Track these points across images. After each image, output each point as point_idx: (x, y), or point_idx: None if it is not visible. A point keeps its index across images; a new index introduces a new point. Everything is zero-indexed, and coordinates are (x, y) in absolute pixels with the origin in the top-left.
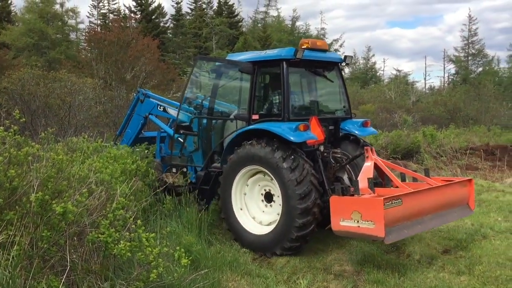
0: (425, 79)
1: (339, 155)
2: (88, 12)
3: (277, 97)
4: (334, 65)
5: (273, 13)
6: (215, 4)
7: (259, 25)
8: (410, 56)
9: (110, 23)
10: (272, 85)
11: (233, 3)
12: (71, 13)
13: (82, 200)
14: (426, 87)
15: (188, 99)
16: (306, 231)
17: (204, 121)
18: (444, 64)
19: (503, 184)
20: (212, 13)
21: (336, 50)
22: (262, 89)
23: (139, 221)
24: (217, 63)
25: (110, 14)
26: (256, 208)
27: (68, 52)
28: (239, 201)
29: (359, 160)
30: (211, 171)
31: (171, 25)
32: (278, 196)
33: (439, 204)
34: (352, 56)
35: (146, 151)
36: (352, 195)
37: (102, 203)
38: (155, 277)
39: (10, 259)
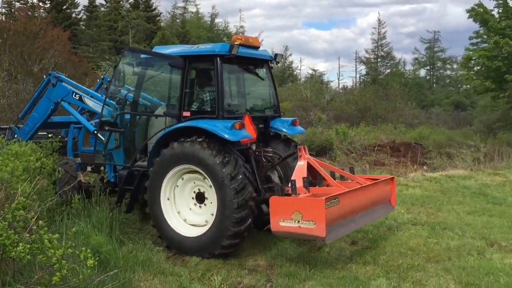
0: (338, 79)
1: (270, 154)
2: None
3: (210, 94)
4: (264, 63)
5: (192, 9)
6: None
7: (178, 20)
8: (325, 57)
9: (16, 12)
10: (205, 81)
11: None
12: None
13: None
14: (340, 86)
15: (112, 93)
16: (243, 225)
17: (127, 116)
18: (356, 65)
19: (406, 178)
20: (129, 6)
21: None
22: (193, 85)
23: (41, 222)
24: (146, 56)
25: (16, 3)
26: (187, 209)
27: None
28: (169, 202)
29: (289, 159)
30: (135, 170)
31: (84, 16)
32: (211, 196)
33: (369, 202)
34: (282, 55)
35: (53, 144)
36: (289, 194)
37: (0, 203)
38: (58, 280)
39: None
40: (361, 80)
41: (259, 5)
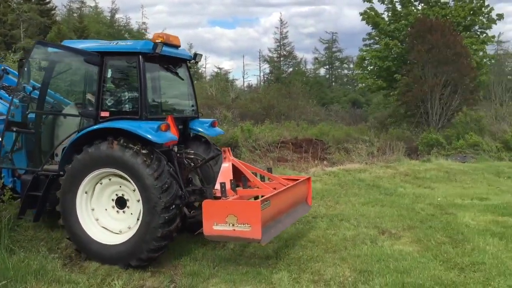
0: (243, 77)
1: (192, 156)
2: None
3: (130, 93)
4: (183, 62)
5: (90, 3)
6: None
7: (75, 15)
8: (230, 55)
9: None
10: (124, 79)
11: None
12: None
13: None
14: (245, 85)
15: (15, 90)
16: (171, 226)
17: (31, 115)
18: (260, 64)
19: (308, 173)
20: None
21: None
22: (112, 84)
23: None
24: (58, 51)
25: None
26: (106, 216)
27: None
28: (85, 211)
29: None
30: (41, 174)
31: None
32: (134, 199)
33: (292, 202)
34: (202, 54)
35: None
36: (218, 197)
37: None
38: None
39: None
40: (265, 78)
41: (162, 1)
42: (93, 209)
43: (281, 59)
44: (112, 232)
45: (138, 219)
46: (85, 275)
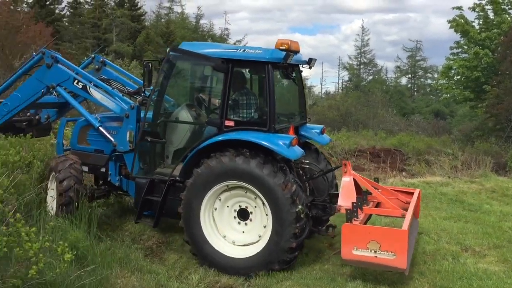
0: (321, 84)
1: (306, 166)
2: None
3: (256, 102)
4: (297, 67)
5: (177, 9)
6: None
7: (162, 20)
8: None
9: None
10: (251, 88)
11: None
12: None
13: None
14: (322, 91)
15: (137, 93)
16: (302, 237)
17: (149, 116)
18: (339, 71)
19: (385, 184)
20: (113, 4)
21: None
22: (237, 92)
23: (18, 215)
24: (187, 56)
25: None
26: (228, 227)
27: None
28: (208, 220)
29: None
30: (156, 178)
31: (68, 13)
32: (258, 211)
33: (414, 219)
34: (316, 59)
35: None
36: (330, 213)
37: None
38: (35, 273)
39: None
40: (344, 86)
41: (245, 8)
42: (216, 221)
43: (361, 66)
44: (237, 244)
45: (264, 231)
46: (165, 266)
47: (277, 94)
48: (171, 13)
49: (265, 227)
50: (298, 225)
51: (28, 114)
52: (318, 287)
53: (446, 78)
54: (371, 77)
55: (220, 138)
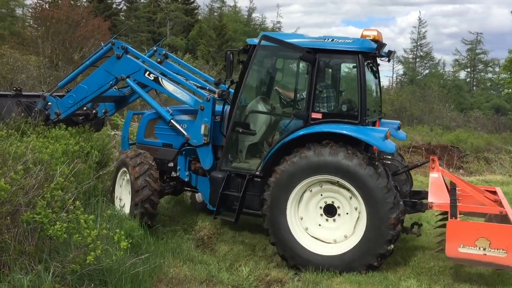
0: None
1: (389, 162)
2: None
3: (344, 94)
4: (376, 60)
5: (230, 2)
6: None
7: (215, 14)
8: None
9: (59, 1)
10: (338, 79)
11: None
12: None
13: (17, 178)
14: None
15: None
16: (395, 242)
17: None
18: (393, 65)
19: None
20: None
21: None
22: (324, 83)
23: (78, 203)
24: (272, 45)
25: None
26: (315, 225)
27: (13, 28)
28: (295, 217)
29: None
30: (233, 172)
31: (124, 7)
32: (347, 208)
33: None
34: (395, 51)
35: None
36: (420, 210)
37: (39, 183)
38: (92, 259)
39: None
40: (398, 80)
41: (298, 1)
42: (301, 218)
43: (417, 60)
44: (324, 241)
45: (354, 229)
46: (216, 258)
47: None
48: (224, 6)
49: (356, 222)
50: (393, 232)
51: (85, 108)
52: (370, 285)
53: (509, 72)
54: (427, 71)
55: (310, 130)
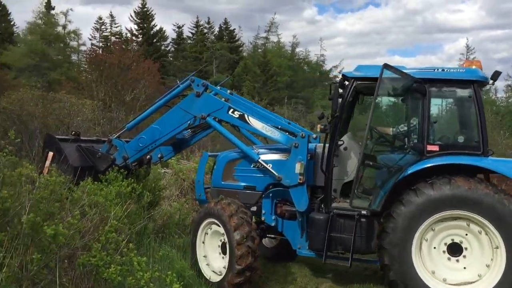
0: None
1: None
2: (90, 35)
3: (460, 125)
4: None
5: (274, 38)
6: (216, 29)
7: (259, 50)
8: None
9: (111, 46)
10: (454, 110)
11: (234, 28)
12: (73, 35)
13: (74, 223)
14: None
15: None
16: None
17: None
18: None
19: None
20: (213, 37)
21: (335, 77)
22: (435, 114)
23: (131, 245)
24: (391, 76)
25: (112, 37)
26: (440, 264)
27: (69, 73)
28: (418, 255)
29: None
30: (338, 213)
31: (172, 48)
32: (475, 247)
33: None
34: (501, 72)
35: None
36: None
37: (95, 226)
38: None
39: None
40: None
41: (341, 33)
42: (426, 258)
43: None
44: (451, 284)
45: (489, 268)
46: None
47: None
48: (268, 42)
49: (488, 265)
50: None
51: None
52: None
53: None
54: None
55: (428, 164)
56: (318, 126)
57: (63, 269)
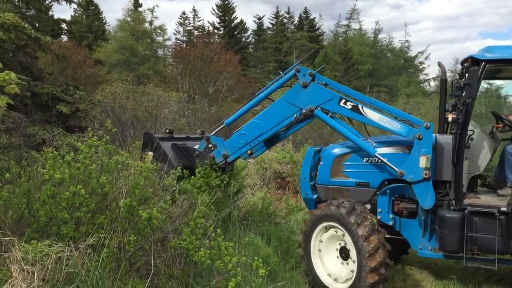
0: None
1: None
2: (175, 29)
3: None
4: None
5: (355, 26)
6: (296, 19)
7: (340, 38)
8: None
9: (194, 39)
10: None
11: (314, 17)
12: (159, 31)
13: (166, 207)
14: None
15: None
16: None
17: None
18: None
19: None
20: (293, 27)
21: (421, 63)
22: None
23: (218, 230)
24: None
25: (195, 31)
26: None
27: (156, 67)
28: None
29: None
30: (473, 210)
31: (253, 40)
32: None
33: None
34: None
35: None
36: None
37: (184, 211)
38: (234, 285)
39: (100, 260)
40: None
41: (427, 17)
42: None
43: None
44: None
45: None
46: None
47: None
48: (349, 30)
49: None
50: None
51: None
52: None
53: None
54: None
55: None
56: (450, 115)
57: (157, 251)
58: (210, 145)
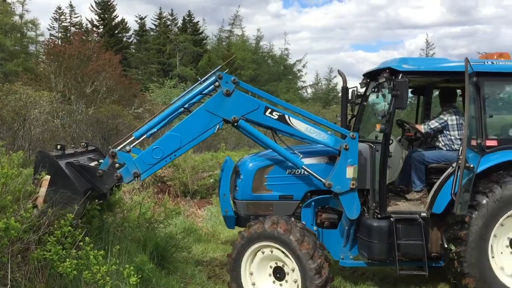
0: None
1: None
2: (49, 25)
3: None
4: None
5: (238, 32)
6: (179, 21)
7: (224, 43)
8: None
9: (71, 36)
10: (507, 103)
11: (198, 21)
12: (30, 25)
13: (27, 216)
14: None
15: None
16: None
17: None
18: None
19: None
20: (177, 30)
21: (299, 71)
22: (492, 107)
23: (87, 238)
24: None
25: (72, 27)
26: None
27: (26, 64)
28: (495, 254)
29: None
30: (397, 218)
31: (135, 40)
32: None
33: None
34: None
35: None
36: None
37: (50, 220)
38: None
39: None
40: (410, 102)
41: (305, 28)
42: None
43: None
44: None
45: None
46: None
47: None
48: (232, 36)
49: None
50: None
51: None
52: None
53: None
54: (437, 92)
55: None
56: (378, 125)
57: (16, 264)
58: (116, 163)
